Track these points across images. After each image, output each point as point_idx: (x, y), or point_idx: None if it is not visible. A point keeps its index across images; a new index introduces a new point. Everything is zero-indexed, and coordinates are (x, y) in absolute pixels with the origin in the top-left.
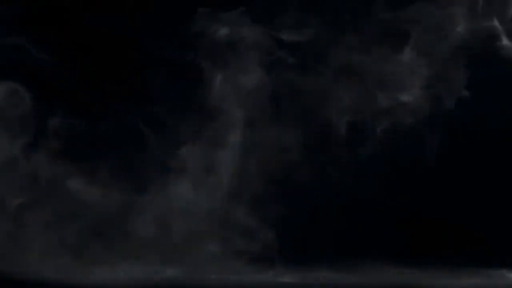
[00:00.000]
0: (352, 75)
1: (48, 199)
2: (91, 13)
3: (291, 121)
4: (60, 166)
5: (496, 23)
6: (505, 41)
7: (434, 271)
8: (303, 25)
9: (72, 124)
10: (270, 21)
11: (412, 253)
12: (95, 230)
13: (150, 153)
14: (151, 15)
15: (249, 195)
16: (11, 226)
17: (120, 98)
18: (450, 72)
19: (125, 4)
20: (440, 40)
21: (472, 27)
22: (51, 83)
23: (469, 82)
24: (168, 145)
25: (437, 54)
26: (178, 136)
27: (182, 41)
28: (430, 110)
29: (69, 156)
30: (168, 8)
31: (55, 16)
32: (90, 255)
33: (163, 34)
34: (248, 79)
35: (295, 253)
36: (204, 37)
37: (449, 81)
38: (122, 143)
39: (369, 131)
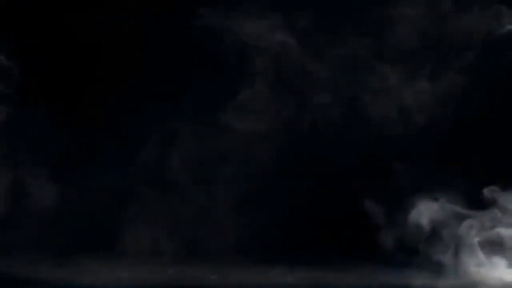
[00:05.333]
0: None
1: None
2: (93, 10)
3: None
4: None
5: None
6: None
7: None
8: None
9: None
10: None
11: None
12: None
13: (148, 152)
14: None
15: (251, 193)
16: None
17: (117, 98)
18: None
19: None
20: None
21: (481, 15)
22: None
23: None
24: (169, 144)
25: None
26: (177, 135)
27: (184, 37)
28: (436, 107)
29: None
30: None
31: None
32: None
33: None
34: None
35: (295, 253)
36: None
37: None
38: (119, 144)
39: (370, 126)
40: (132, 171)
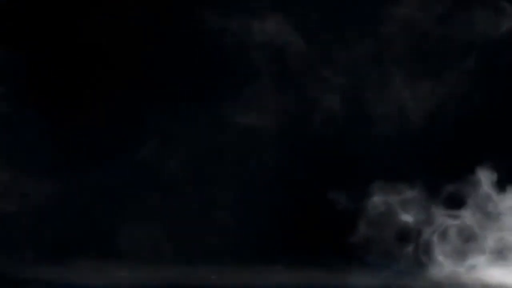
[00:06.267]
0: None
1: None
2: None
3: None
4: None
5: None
6: None
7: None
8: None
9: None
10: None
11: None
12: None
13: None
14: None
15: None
16: None
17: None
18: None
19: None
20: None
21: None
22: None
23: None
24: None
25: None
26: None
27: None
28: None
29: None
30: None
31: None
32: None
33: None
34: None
35: (295, 253)
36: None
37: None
38: (117, 146)
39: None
40: (132, 171)
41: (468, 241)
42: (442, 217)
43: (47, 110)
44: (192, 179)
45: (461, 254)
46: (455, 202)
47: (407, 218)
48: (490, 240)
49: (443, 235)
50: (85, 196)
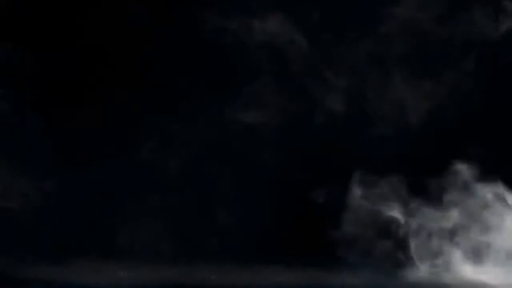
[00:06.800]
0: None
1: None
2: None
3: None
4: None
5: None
6: None
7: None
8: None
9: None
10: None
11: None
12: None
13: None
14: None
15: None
16: None
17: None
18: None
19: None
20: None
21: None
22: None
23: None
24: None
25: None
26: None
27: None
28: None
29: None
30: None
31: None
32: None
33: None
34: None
35: (295, 253)
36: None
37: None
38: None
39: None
40: (132, 171)
41: (448, 239)
42: (427, 214)
43: (47, 110)
44: (192, 179)
45: (441, 252)
46: (443, 200)
47: (396, 214)
48: (471, 238)
49: (424, 233)
50: (85, 196)
